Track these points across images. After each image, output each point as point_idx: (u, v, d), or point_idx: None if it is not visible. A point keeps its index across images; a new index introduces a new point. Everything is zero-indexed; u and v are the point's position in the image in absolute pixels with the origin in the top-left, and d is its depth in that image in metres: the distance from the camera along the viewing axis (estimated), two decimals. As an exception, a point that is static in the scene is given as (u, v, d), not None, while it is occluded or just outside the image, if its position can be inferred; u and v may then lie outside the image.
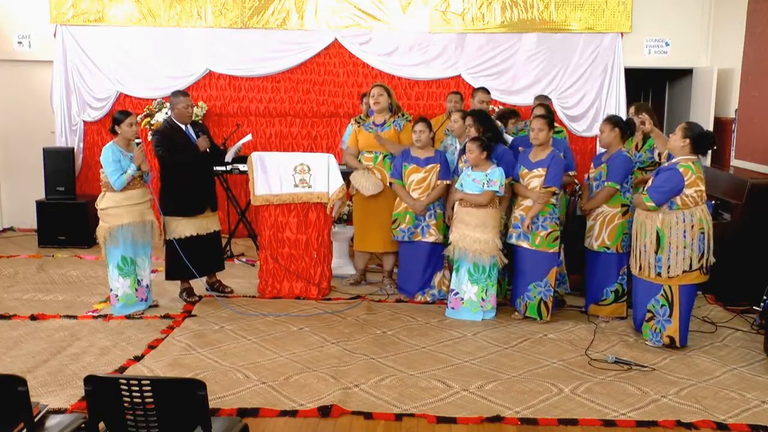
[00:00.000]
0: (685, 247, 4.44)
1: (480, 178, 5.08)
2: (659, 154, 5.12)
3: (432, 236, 5.55)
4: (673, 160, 4.52)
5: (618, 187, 4.96)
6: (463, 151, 5.43)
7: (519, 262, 5.13)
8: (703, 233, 4.46)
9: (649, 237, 4.51)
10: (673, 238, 4.44)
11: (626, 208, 5.00)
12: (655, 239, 4.48)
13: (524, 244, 5.04)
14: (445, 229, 5.53)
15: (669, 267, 4.47)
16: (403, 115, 5.86)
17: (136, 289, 5.24)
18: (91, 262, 6.74)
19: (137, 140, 5.16)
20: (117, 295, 5.19)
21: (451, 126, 5.71)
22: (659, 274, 4.52)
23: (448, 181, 5.50)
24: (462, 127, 5.61)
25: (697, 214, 4.45)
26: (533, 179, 5.01)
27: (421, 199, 5.51)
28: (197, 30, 7.73)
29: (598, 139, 5.32)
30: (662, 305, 4.57)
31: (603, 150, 5.22)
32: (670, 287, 4.54)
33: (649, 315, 4.66)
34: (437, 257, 5.60)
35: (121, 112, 5.10)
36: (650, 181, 4.57)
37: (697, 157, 4.51)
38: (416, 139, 5.51)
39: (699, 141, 4.47)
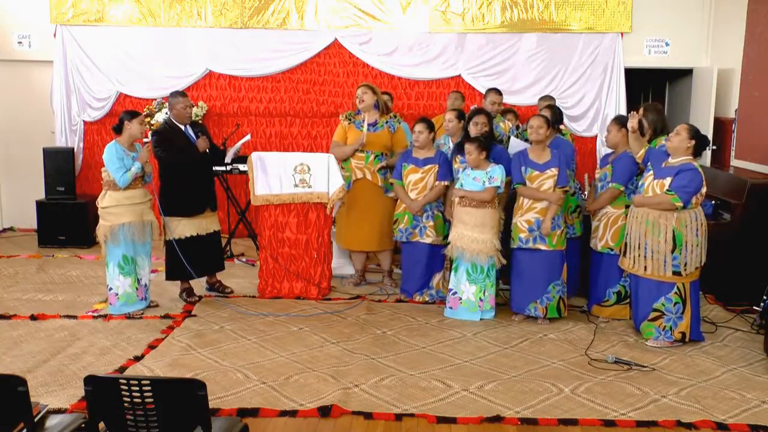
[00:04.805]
0: (697, 245, 4.55)
1: (481, 177, 5.06)
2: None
3: (429, 237, 5.53)
4: (680, 160, 4.53)
5: (622, 188, 4.96)
6: (456, 151, 5.42)
7: (534, 265, 5.03)
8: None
9: (663, 236, 4.53)
10: (689, 236, 4.52)
11: None
12: (671, 238, 4.51)
13: (542, 247, 5.00)
14: (445, 229, 5.51)
15: (686, 264, 4.54)
16: (395, 116, 5.85)
17: (137, 288, 5.25)
18: (91, 262, 6.74)
19: (146, 139, 5.19)
20: (117, 294, 5.19)
21: (446, 125, 5.67)
22: (676, 273, 4.56)
23: (446, 182, 5.48)
24: (456, 126, 5.58)
25: (701, 212, 4.58)
26: (547, 180, 4.98)
27: (418, 200, 5.51)
28: (197, 30, 7.73)
29: (605, 139, 5.30)
30: (675, 303, 4.61)
31: (610, 150, 5.22)
32: (683, 284, 4.61)
33: (655, 314, 4.66)
34: (436, 258, 5.57)
35: (129, 112, 5.15)
36: (670, 181, 4.51)
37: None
38: (415, 139, 5.51)
39: (701, 143, 4.57)
